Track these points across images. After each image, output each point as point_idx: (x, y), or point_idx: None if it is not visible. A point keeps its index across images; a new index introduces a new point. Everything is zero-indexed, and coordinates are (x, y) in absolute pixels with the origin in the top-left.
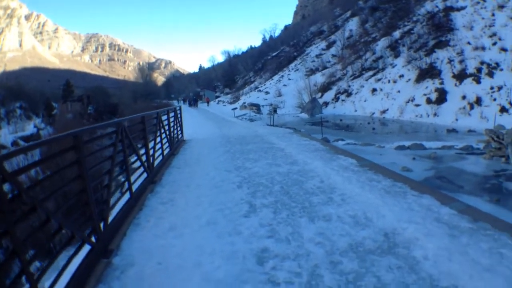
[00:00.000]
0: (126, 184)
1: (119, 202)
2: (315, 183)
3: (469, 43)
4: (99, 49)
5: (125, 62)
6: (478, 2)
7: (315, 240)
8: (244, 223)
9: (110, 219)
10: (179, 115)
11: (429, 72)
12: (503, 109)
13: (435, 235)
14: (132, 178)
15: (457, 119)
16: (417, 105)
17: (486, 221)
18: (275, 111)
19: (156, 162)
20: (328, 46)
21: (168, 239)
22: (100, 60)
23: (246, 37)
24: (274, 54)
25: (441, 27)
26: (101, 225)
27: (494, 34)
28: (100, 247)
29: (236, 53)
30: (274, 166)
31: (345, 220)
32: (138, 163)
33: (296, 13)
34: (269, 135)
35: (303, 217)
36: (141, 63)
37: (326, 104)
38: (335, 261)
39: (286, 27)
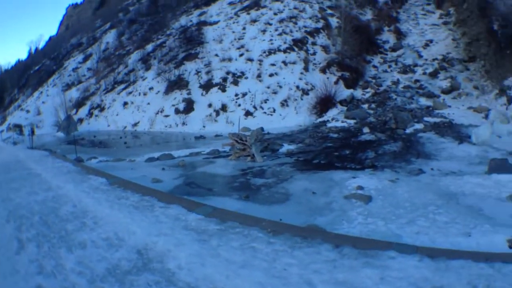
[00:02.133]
0: None
1: None
2: (68, 208)
3: (217, 55)
4: None
5: None
6: (232, 17)
7: (76, 270)
8: (19, 261)
9: None
10: None
11: (178, 84)
12: (248, 113)
13: (185, 244)
14: None
15: (204, 126)
16: (167, 116)
17: (234, 219)
18: (33, 132)
19: None
20: (85, 59)
21: None
22: None
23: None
24: (36, 68)
25: (192, 40)
26: None
27: (243, 46)
28: None
29: (6, 68)
30: (33, 195)
31: (99, 244)
32: None
33: (62, 23)
34: (28, 160)
35: (62, 247)
36: None
37: (81, 120)
38: None
39: (50, 38)
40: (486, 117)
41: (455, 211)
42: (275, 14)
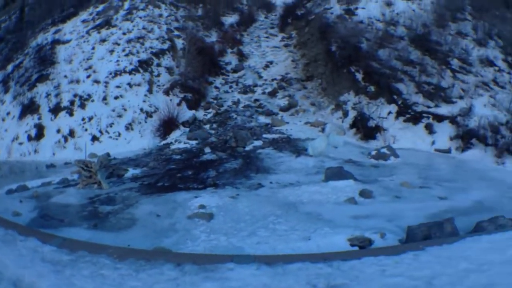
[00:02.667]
0: None
1: None
2: None
3: (66, 76)
4: None
5: None
6: (83, 36)
7: None
8: None
9: None
10: None
11: (30, 108)
12: (95, 138)
13: (44, 275)
14: None
15: (54, 153)
16: (21, 143)
17: (84, 249)
18: None
19: None
20: None
21: None
22: None
23: None
24: None
25: (46, 60)
26: None
27: (90, 67)
28: None
29: None
30: None
31: None
32: None
33: None
34: None
35: None
36: None
37: None
38: None
39: None
40: (323, 130)
41: (295, 218)
42: (124, 34)
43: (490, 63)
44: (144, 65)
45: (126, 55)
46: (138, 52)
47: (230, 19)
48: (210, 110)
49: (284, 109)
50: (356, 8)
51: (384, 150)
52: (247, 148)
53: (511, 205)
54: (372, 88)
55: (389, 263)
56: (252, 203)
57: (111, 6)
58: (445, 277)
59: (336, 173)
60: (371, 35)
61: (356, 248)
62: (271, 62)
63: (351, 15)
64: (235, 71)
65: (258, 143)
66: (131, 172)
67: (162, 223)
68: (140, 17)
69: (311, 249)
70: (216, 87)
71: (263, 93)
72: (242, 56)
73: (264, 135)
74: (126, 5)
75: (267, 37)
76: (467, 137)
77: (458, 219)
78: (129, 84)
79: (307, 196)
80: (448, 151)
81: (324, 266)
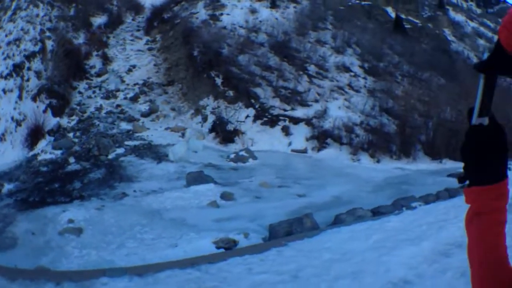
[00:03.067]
0: None
1: None
2: None
3: None
4: None
5: None
6: None
7: None
8: None
9: None
10: None
11: None
12: None
13: None
14: None
15: None
16: None
17: None
18: None
19: None
20: None
21: None
22: None
23: None
24: None
25: None
26: None
27: None
28: None
29: None
30: None
31: None
32: None
33: None
34: None
35: None
36: None
37: None
38: None
39: None
40: (183, 135)
41: (160, 226)
42: (6, 36)
43: (346, 69)
44: (17, 69)
45: (4, 58)
46: (14, 55)
47: (99, 19)
48: (74, 116)
49: (146, 114)
50: (222, 14)
51: (243, 153)
52: (110, 156)
53: (368, 198)
54: (231, 93)
55: (255, 261)
56: (118, 214)
57: (3, 7)
58: (310, 269)
59: (197, 178)
60: (233, 41)
61: (222, 250)
62: (134, 66)
63: (215, 21)
64: (99, 75)
65: (120, 150)
66: (7, 187)
67: (38, 240)
68: (22, 18)
69: (179, 256)
70: (80, 92)
71: (125, 98)
72: (106, 60)
73: (126, 142)
74: (14, 5)
75: (132, 40)
76: (322, 138)
77: (317, 214)
78: (4, 90)
79: (170, 202)
80: (304, 151)
81: (193, 271)
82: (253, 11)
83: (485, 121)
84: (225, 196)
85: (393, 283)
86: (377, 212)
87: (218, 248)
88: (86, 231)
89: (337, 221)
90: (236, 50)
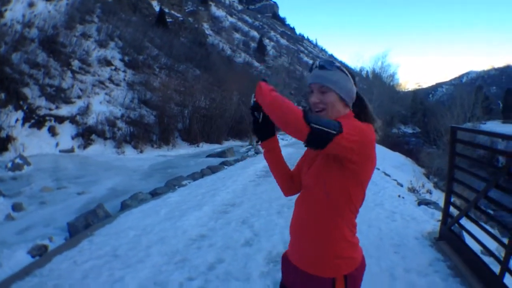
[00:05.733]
0: None
1: None
2: None
3: None
4: None
5: None
6: None
7: None
8: None
9: None
10: None
11: None
12: None
13: None
14: None
15: None
16: None
17: None
18: None
19: None
20: None
21: None
22: None
23: None
24: None
25: None
26: None
27: None
28: None
29: None
30: None
31: None
32: None
33: None
34: None
35: None
36: None
37: None
38: None
39: None
40: None
41: None
42: None
43: (108, 62)
44: None
45: None
46: None
47: None
48: None
49: None
50: (6, 10)
51: (18, 160)
52: None
53: (140, 185)
54: (2, 96)
55: (75, 254)
56: None
57: None
58: (124, 246)
59: None
60: (9, 38)
61: (38, 257)
62: None
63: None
64: None
65: None
66: None
67: None
68: None
69: (8, 273)
70: None
71: None
72: None
73: None
74: None
75: None
76: (87, 134)
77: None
78: None
79: None
80: (72, 150)
81: (31, 278)
82: (31, 4)
83: (260, 115)
84: (16, 207)
85: (193, 239)
86: (155, 194)
87: (34, 256)
88: None
89: (125, 207)
90: (11, 48)
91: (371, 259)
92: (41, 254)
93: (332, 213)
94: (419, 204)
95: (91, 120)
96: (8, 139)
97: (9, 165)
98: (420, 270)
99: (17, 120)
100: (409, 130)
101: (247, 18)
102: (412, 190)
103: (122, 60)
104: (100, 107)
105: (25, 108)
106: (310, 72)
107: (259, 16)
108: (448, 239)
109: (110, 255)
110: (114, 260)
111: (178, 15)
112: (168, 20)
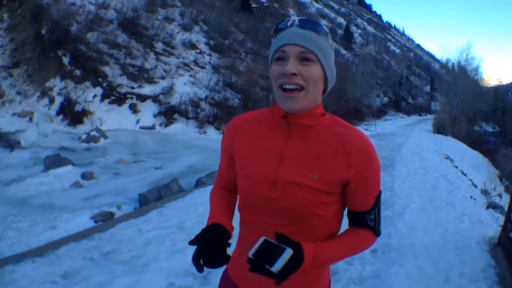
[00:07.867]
0: None
1: None
2: None
3: None
4: None
5: None
6: None
7: None
8: None
9: None
10: None
11: None
12: None
13: None
14: None
15: None
16: None
17: None
18: None
19: None
20: None
21: None
22: None
23: None
24: None
25: None
26: None
27: None
28: None
29: None
30: None
31: None
32: None
33: None
34: None
35: None
36: None
37: None
38: None
39: None
40: (31, 120)
41: (32, 213)
42: None
43: (193, 46)
44: None
45: None
46: None
47: None
48: None
49: None
50: None
51: (94, 133)
52: None
53: (218, 164)
54: (79, 72)
55: (141, 223)
56: None
57: None
58: (191, 220)
59: (55, 161)
60: (82, 18)
61: (102, 223)
62: None
63: None
64: None
65: None
66: None
67: None
68: None
69: (62, 235)
70: None
71: None
72: None
73: None
74: None
75: None
76: (170, 113)
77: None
78: None
79: (34, 189)
80: (153, 127)
81: (88, 241)
82: None
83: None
84: (86, 176)
85: None
86: None
87: (97, 222)
88: None
89: (199, 184)
90: (85, 27)
91: (431, 259)
92: (105, 220)
93: None
94: (488, 207)
95: (174, 100)
96: (84, 112)
97: (84, 137)
98: (472, 276)
99: (95, 96)
100: (489, 128)
101: (333, 4)
102: (485, 192)
103: (207, 44)
104: (184, 88)
105: (104, 85)
106: (279, 31)
107: (344, 2)
108: (505, 245)
109: (176, 227)
110: (179, 232)
111: (263, 0)
112: (253, 5)
